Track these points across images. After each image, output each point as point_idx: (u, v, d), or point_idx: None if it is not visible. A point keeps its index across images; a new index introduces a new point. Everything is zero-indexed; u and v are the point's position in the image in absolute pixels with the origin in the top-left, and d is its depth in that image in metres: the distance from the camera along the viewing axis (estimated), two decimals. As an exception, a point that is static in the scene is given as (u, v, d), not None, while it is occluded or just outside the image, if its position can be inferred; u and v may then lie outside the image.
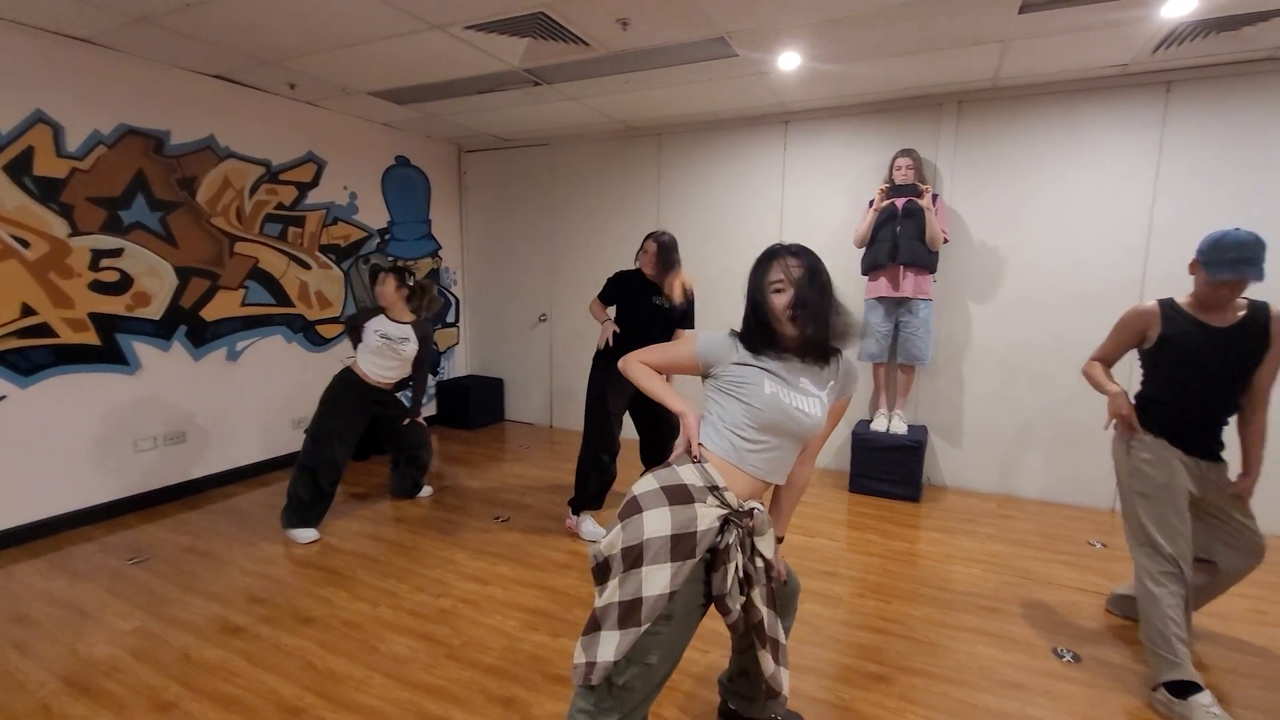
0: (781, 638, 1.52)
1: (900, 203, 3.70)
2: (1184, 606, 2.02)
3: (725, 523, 1.40)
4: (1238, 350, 1.98)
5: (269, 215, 4.06)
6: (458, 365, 5.73)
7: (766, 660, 1.47)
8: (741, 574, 1.42)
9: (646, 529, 1.34)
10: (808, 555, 3.04)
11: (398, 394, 3.49)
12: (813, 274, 1.46)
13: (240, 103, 3.83)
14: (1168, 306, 2.07)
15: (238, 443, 3.99)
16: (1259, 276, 1.89)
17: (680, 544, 1.33)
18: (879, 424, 3.95)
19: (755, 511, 1.46)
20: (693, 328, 3.24)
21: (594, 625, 1.36)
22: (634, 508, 1.40)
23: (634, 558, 1.33)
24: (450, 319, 5.63)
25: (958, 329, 3.97)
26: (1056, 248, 3.68)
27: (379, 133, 4.78)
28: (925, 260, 3.69)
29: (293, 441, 4.16)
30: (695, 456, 1.46)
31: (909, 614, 2.52)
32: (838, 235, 4.14)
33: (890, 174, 3.80)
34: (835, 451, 4.33)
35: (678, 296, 3.12)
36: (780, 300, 1.45)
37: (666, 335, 3.13)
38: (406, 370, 3.39)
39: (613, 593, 1.34)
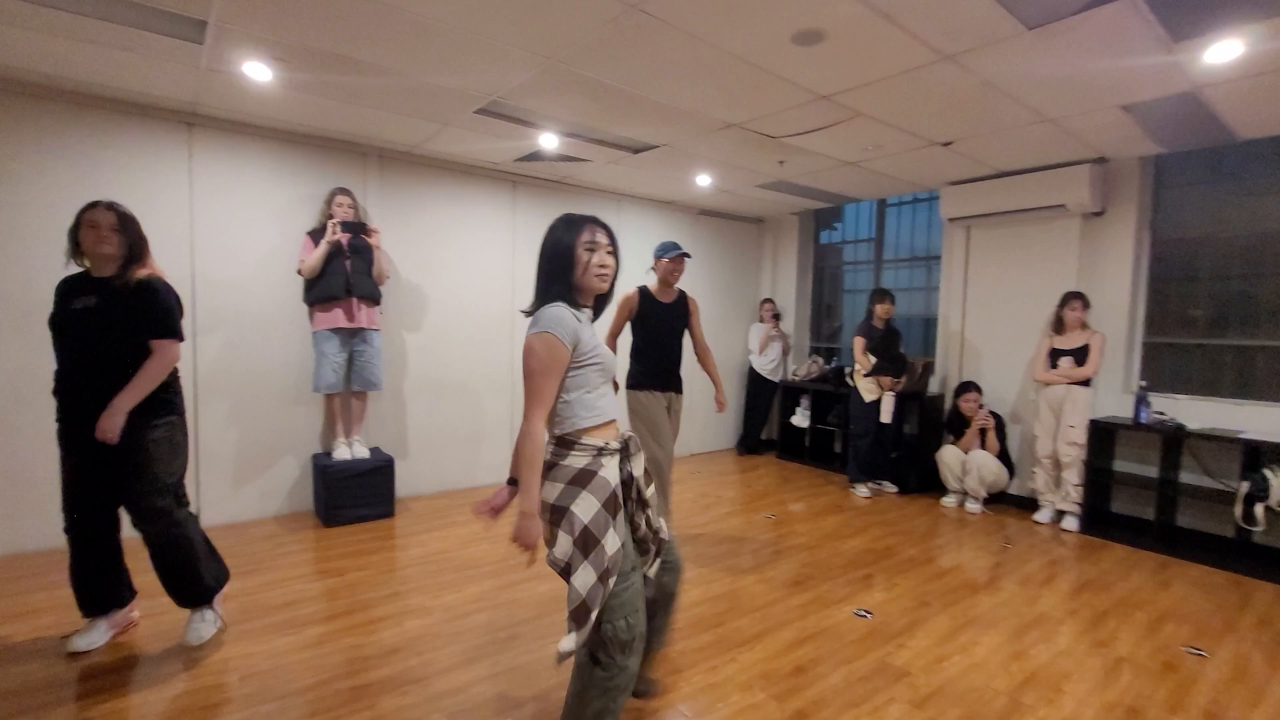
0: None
1: (346, 239, 3.90)
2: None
3: (621, 460, 1.70)
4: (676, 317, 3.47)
5: None
6: None
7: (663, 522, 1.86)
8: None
9: (582, 517, 1.55)
10: (345, 593, 2.97)
11: None
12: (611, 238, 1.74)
13: None
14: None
15: None
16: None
17: (611, 505, 1.60)
18: (341, 453, 4.00)
19: (630, 440, 1.76)
20: (177, 335, 2.33)
21: (582, 612, 1.53)
22: (560, 512, 1.58)
23: (586, 543, 1.55)
24: None
25: (397, 356, 4.47)
26: (457, 287, 4.73)
27: None
28: (374, 293, 4.03)
29: None
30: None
31: (540, 590, 2.98)
32: (268, 263, 3.92)
33: (331, 209, 3.93)
34: (289, 494, 4.03)
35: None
36: (593, 259, 1.65)
37: (130, 344, 2.27)
38: None
39: (587, 575, 1.54)
